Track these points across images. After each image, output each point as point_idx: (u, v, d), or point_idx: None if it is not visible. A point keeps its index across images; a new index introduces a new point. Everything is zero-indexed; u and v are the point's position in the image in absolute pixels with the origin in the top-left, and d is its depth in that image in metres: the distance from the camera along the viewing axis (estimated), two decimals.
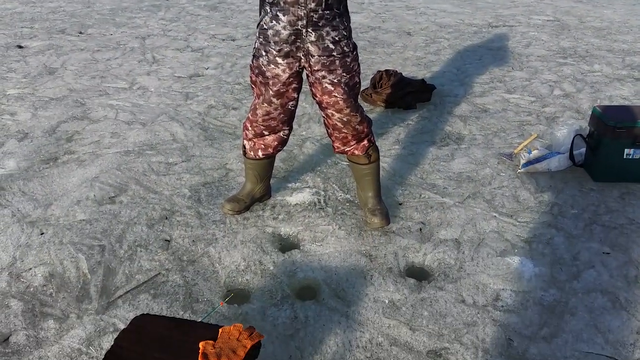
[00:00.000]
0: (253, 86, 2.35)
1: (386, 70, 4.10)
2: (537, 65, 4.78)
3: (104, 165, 3.04)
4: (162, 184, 2.92)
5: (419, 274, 2.23)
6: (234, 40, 5.98)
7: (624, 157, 2.73)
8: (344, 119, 2.30)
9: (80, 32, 6.39)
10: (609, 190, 2.79)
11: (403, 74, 4.12)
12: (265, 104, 2.30)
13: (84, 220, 2.53)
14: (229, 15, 7.24)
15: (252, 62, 2.29)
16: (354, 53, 2.24)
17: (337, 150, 2.45)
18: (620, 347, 1.84)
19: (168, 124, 3.70)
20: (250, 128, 2.43)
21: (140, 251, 2.32)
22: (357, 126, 2.34)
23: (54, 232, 2.43)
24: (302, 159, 3.18)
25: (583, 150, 2.95)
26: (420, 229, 2.48)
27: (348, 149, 2.42)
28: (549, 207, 2.66)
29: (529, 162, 2.90)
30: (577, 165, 2.94)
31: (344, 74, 2.22)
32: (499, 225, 2.50)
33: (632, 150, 2.71)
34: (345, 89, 2.23)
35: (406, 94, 3.84)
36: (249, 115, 2.42)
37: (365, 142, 2.41)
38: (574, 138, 2.90)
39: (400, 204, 2.69)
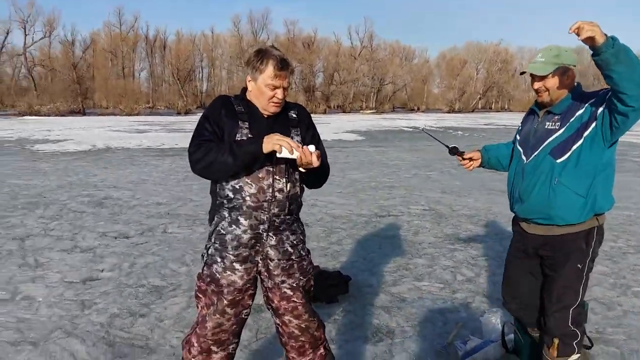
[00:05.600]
0: (200, 296, 2.17)
1: None
2: (432, 252, 5.16)
3: None
4: None
5: None
6: (127, 237, 5.70)
7: None
8: (302, 326, 2.18)
9: None
10: None
11: (320, 267, 4.15)
12: (217, 315, 2.12)
13: None
14: (117, 212, 7.00)
15: (203, 270, 2.17)
16: (309, 257, 2.25)
17: None
18: None
19: (65, 342, 3.20)
20: (196, 344, 2.18)
21: None
22: (315, 332, 2.22)
23: None
24: None
25: (512, 336, 3.06)
26: None
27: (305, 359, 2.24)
28: None
29: (467, 354, 2.91)
30: (510, 352, 3.02)
31: (301, 278, 2.18)
32: None
33: None
34: (303, 292, 2.18)
35: (327, 287, 3.82)
36: (196, 329, 2.19)
37: (322, 350, 2.27)
38: (503, 326, 3.03)
39: None
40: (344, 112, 63.07)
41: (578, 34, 1.90)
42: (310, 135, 2.22)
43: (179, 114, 51.63)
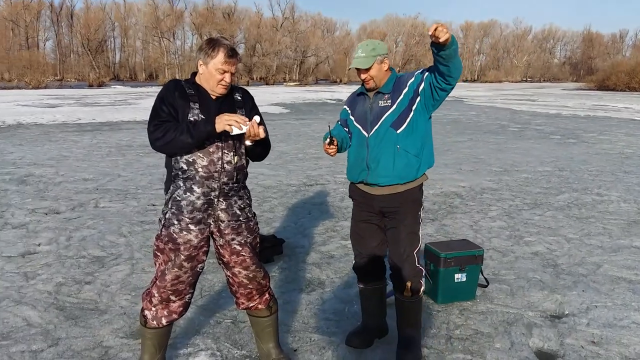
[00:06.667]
0: (159, 254, 2.45)
1: None
2: None
3: None
4: None
5: None
6: (58, 213, 5.72)
7: (455, 281, 3.44)
8: (250, 275, 2.53)
9: None
10: (450, 309, 3.43)
11: None
12: (176, 269, 2.42)
13: None
14: (43, 189, 6.91)
15: (161, 231, 2.44)
16: (255, 218, 2.60)
17: (241, 306, 2.62)
18: None
19: (16, 309, 3.35)
20: (156, 294, 2.47)
21: None
22: (262, 280, 2.59)
23: None
24: (183, 323, 3.18)
25: (423, 279, 3.60)
26: None
27: (252, 304, 2.61)
28: None
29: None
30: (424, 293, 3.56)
31: (249, 235, 2.52)
32: (384, 355, 2.86)
33: (460, 274, 3.44)
34: (251, 247, 2.52)
35: (263, 249, 4.18)
36: (156, 282, 2.47)
37: (267, 295, 2.65)
38: None
39: (295, 350, 2.89)
40: (267, 84, 62.65)
41: (437, 36, 2.26)
42: (253, 115, 2.53)
43: (91, 86, 49.00)
